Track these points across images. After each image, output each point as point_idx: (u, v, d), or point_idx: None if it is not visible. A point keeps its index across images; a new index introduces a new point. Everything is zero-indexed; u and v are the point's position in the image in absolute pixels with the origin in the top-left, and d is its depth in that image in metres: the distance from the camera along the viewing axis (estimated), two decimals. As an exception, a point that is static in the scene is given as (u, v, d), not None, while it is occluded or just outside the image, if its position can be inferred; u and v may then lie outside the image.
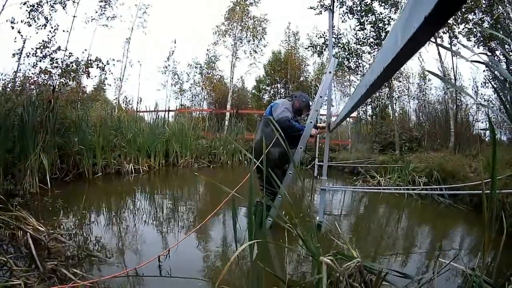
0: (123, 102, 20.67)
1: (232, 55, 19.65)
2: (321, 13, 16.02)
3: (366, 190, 8.81)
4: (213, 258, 4.06)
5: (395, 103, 17.83)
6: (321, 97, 5.05)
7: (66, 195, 6.38)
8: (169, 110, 16.27)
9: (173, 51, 22.65)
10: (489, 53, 14.03)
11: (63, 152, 8.04)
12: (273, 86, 22.88)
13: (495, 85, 8.91)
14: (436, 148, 14.30)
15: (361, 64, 17.08)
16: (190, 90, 23.65)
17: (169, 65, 22.70)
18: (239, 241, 3.33)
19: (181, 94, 23.38)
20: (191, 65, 23.29)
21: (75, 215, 5.40)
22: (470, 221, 6.32)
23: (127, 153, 9.88)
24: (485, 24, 13.82)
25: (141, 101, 22.23)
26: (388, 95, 17.80)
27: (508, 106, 3.06)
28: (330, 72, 4.87)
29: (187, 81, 23.42)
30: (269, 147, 4.74)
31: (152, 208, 6.43)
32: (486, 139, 14.05)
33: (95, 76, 17.26)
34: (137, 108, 17.85)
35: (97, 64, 11.53)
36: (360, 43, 15.94)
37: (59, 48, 11.99)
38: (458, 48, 14.96)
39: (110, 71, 12.28)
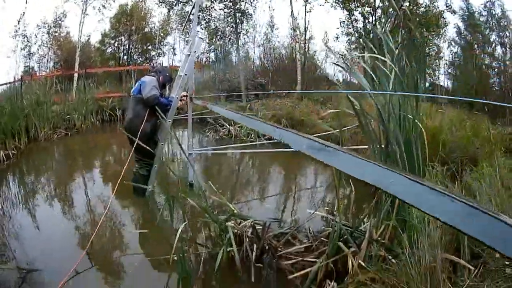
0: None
1: (82, 11, 18.89)
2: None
3: (231, 151, 9.17)
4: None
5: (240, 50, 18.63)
6: (186, 75, 5.50)
7: None
8: (21, 80, 15.27)
9: (23, 12, 21.08)
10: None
11: None
12: (117, 39, 22.56)
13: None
14: (281, 95, 15.59)
15: (205, 17, 17.64)
16: (38, 52, 22.36)
17: (19, 28, 21.22)
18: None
19: (29, 58, 22.04)
20: (39, 26, 21.98)
21: None
22: (320, 163, 7.44)
23: None
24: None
25: None
26: (234, 41, 18.61)
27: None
28: (195, 52, 5.45)
29: (35, 43, 22.08)
30: (142, 124, 5.21)
31: (69, 199, 6.11)
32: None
33: None
34: None
35: None
36: None
37: None
38: (312, 6, 16.38)
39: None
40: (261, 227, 3.51)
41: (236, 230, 3.46)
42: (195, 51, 5.47)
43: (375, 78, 4.12)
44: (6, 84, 13.29)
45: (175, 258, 3.40)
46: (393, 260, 2.68)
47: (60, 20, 22.21)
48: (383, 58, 4.03)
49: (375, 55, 4.18)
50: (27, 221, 4.92)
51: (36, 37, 21.95)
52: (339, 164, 1.90)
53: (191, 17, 5.62)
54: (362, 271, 2.63)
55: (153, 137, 5.52)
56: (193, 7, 5.50)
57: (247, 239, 3.42)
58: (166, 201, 4.22)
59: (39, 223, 4.85)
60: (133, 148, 5.17)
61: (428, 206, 1.34)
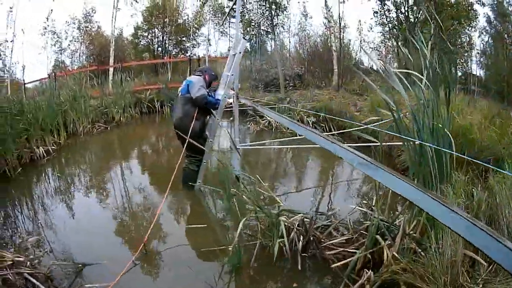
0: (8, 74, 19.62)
1: (113, 6, 19.45)
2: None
3: (280, 146, 9.45)
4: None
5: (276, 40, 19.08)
6: (232, 75, 5.92)
7: (1, 207, 5.88)
8: (55, 75, 15.83)
9: (51, 9, 21.98)
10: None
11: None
12: (150, 31, 23.17)
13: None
14: (319, 85, 15.93)
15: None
16: (69, 47, 23.23)
17: (48, 25, 22.12)
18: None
19: (61, 53, 22.92)
20: (68, 22, 22.86)
21: (32, 229, 5.06)
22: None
23: (31, 136, 8.92)
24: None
25: (23, 69, 21.07)
26: (270, 30, 18.98)
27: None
28: (240, 53, 5.83)
29: (66, 39, 22.94)
30: (192, 122, 5.73)
31: (114, 192, 6.55)
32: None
33: None
34: (24, 80, 17.36)
35: None
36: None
37: None
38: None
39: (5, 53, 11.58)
40: (307, 220, 3.98)
41: (287, 224, 3.94)
42: (240, 52, 5.84)
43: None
44: (38, 80, 13.57)
45: (229, 248, 3.88)
46: (422, 253, 3.07)
47: (89, 15, 22.98)
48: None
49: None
50: (80, 216, 5.36)
51: (66, 33, 22.82)
52: (381, 179, 2.52)
53: (232, 13, 6.00)
54: (396, 261, 3.05)
55: (202, 134, 6.00)
56: (232, 7, 5.88)
57: (295, 231, 3.89)
58: (224, 196, 4.71)
59: (91, 218, 5.29)
60: (185, 145, 5.66)
61: (443, 218, 1.97)
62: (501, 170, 3.20)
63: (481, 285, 2.56)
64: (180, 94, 6.05)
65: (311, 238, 3.92)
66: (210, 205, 5.61)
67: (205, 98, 5.74)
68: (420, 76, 4.31)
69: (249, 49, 21.19)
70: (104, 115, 13.40)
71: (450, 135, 3.98)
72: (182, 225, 5.17)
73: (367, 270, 3.19)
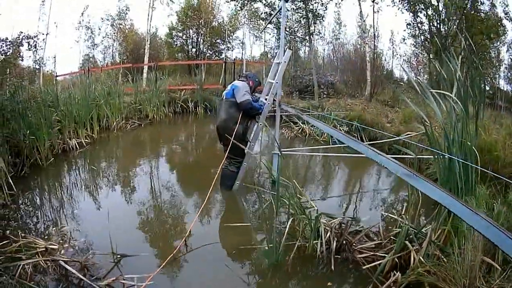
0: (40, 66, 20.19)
1: (149, 5, 19.89)
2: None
3: (321, 154, 9.67)
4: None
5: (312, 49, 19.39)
6: (277, 82, 6.30)
7: (33, 195, 6.28)
8: (88, 70, 16.30)
9: (87, 5, 22.86)
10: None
11: (12, 144, 7.34)
12: (185, 32, 23.66)
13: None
14: (352, 94, 16.29)
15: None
16: (102, 43, 23.95)
17: (83, 20, 22.90)
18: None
19: (93, 49, 23.65)
20: (103, 19, 23.60)
21: (63, 217, 5.39)
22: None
23: (65, 128, 9.37)
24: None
25: (55, 61, 21.63)
26: (306, 37, 19.35)
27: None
28: (285, 62, 6.25)
29: (99, 35, 23.68)
30: (235, 125, 6.09)
31: (149, 187, 6.93)
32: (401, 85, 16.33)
33: (29, 57, 16.65)
34: (55, 73, 18.07)
35: (28, 42, 10.45)
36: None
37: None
38: (380, 7, 16.82)
39: (40, 46, 11.86)
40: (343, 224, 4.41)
41: (325, 227, 4.34)
42: (285, 61, 6.21)
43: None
44: (69, 74, 13.79)
45: (266, 248, 4.30)
46: (444, 259, 3.44)
47: (123, 13, 23.61)
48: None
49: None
50: (115, 209, 5.51)
51: (99, 29, 23.59)
52: (420, 187, 3.07)
53: (275, 21, 6.37)
54: (421, 265, 3.44)
55: (244, 138, 6.32)
56: (275, 15, 6.18)
57: (331, 234, 4.29)
58: (273, 197, 4.89)
59: (125, 212, 5.61)
60: (228, 147, 6.04)
61: (468, 219, 2.51)
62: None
63: (495, 288, 2.90)
64: (225, 97, 6.36)
65: (344, 242, 4.30)
66: (248, 205, 6.11)
67: (250, 103, 6.09)
68: (449, 91, 4.66)
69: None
70: (137, 112, 13.82)
71: (476, 151, 4.33)
72: (221, 223, 5.47)
73: (395, 272, 3.58)
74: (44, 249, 3.82)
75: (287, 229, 4.32)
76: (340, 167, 9.13)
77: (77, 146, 9.23)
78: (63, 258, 3.75)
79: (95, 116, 11.00)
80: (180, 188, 6.92)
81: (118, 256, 3.96)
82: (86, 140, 9.88)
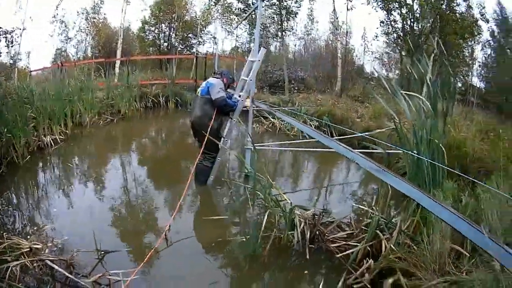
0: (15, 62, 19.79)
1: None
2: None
3: (292, 149, 9.48)
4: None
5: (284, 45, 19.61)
6: (251, 80, 6.41)
7: (11, 195, 6.11)
8: (62, 65, 16.04)
9: None
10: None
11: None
12: (157, 26, 23.56)
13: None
14: (322, 90, 16.51)
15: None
16: (76, 37, 23.62)
17: (57, 14, 22.53)
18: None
19: (67, 43, 23.32)
20: (78, 12, 23.26)
21: (43, 216, 5.31)
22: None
23: (39, 125, 9.09)
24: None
25: (29, 57, 21.12)
26: (278, 33, 19.50)
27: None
28: (259, 60, 6.36)
29: (73, 28, 23.33)
30: (210, 121, 6.16)
31: (124, 184, 6.86)
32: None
33: (7, 53, 16.31)
34: (29, 68, 17.61)
35: (6, 37, 10.57)
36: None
37: None
38: (354, 5, 17.18)
39: (16, 41, 11.70)
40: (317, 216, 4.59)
41: (300, 218, 4.49)
42: (259, 60, 6.33)
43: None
44: (43, 69, 13.60)
45: (244, 239, 4.46)
46: (415, 247, 3.64)
47: (98, 6, 23.33)
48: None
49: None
50: (94, 206, 5.61)
51: (74, 23, 23.02)
52: (391, 182, 3.24)
53: (252, 20, 6.45)
54: (393, 252, 3.64)
55: (218, 134, 6.43)
56: (250, 12, 6.26)
57: (305, 225, 4.44)
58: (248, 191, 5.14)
59: (102, 208, 5.56)
60: (204, 143, 6.06)
61: (434, 210, 2.73)
62: (478, 182, 3.76)
63: (464, 273, 3.11)
64: (200, 94, 6.44)
65: (317, 232, 4.49)
66: (223, 199, 6.25)
67: (225, 100, 6.21)
68: (420, 89, 4.88)
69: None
70: (110, 107, 13.54)
71: (443, 149, 4.56)
72: (198, 217, 5.52)
73: (367, 259, 3.77)
74: (28, 249, 3.80)
75: (264, 221, 4.46)
76: (310, 161, 9.33)
77: (52, 143, 9.00)
78: (49, 257, 3.75)
79: (69, 112, 10.70)
80: (155, 184, 6.93)
81: (102, 252, 4.01)
82: (61, 137, 9.61)
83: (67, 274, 3.55)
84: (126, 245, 4.42)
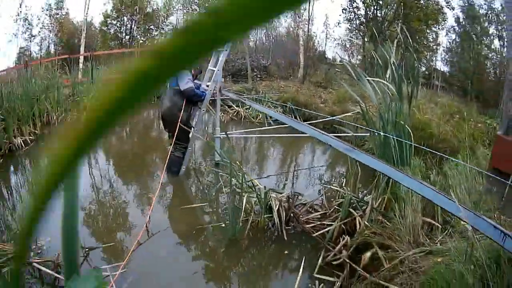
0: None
1: None
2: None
3: (260, 136, 9.68)
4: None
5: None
6: (218, 70, 6.45)
7: None
8: (27, 64, 15.64)
9: None
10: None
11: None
12: (119, 19, 23.23)
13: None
14: (285, 77, 16.68)
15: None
16: (39, 34, 23.03)
17: (21, 11, 21.89)
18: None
19: (31, 41, 22.73)
20: (43, 9, 22.67)
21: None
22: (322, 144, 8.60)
23: (9, 126, 8.74)
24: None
25: None
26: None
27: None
28: (226, 50, 6.41)
29: (37, 25, 22.74)
30: (180, 112, 6.20)
31: (96, 180, 6.75)
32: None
33: None
34: None
35: None
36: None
37: None
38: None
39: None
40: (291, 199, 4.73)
41: (275, 201, 4.63)
42: (226, 50, 6.38)
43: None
44: (8, 70, 13.46)
45: (223, 225, 4.60)
46: (388, 223, 3.82)
47: (60, 1, 22.84)
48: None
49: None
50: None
51: (39, 19, 22.47)
52: (363, 160, 3.29)
53: (224, 52, 6.57)
54: (367, 228, 3.82)
55: (188, 124, 6.47)
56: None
57: (280, 208, 4.57)
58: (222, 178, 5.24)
59: (84, 207, 5.31)
60: (175, 134, 6.14)
61: (404, 181, 2.84)
62: (448, 157, 4.00)
63: (438, 244, 3.29)
64: (168, 86, 6.45)
65: (292, 214, 4.64)
66: (197, 187, 6.37)
67: (193, 90, 6.26)
68: (384, 73, 5.05)
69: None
70: (76, 104, 12.82)
71: (409, 129, 4.77)
72: (176, 207, 5.54)
73: (344, 236, 3.96)
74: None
75: (243, 206, 4.59)
76: (277, 147, 9.54)
77: (23, 145, 8.68)
78: (36, 259, 3.71)
79: (37, 112, 10.37)
80: (127, 178, 6.84)
81: (87, 249, 4.02)
82: (30, 137, 9.17)
83: (56, 274, 3.54)
84: (108, 241, 4.37)
